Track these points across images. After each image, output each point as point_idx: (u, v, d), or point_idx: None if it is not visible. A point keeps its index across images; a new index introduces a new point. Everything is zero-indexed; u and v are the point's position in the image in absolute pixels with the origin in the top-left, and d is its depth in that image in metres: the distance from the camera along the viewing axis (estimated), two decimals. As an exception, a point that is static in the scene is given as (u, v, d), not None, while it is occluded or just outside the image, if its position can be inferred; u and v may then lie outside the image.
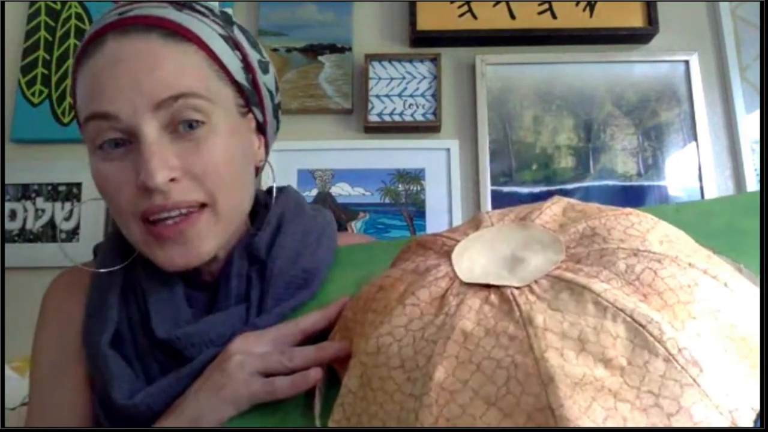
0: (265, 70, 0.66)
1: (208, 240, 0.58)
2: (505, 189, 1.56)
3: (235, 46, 0.62)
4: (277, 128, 0.71)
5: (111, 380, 0.58)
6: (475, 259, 0.46)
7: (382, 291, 0.49)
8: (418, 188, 1.56)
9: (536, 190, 1.56)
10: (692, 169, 1.56)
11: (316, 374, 0.51)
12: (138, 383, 0.59)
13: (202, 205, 0.58)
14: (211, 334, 0.58)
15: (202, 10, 0.62)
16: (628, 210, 0.49)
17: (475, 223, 0.52)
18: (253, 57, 0.64)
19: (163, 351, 0.60)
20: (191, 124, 0.57)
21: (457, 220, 1.53)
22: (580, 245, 0.45)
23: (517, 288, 0.42)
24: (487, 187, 1.54)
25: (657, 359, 0.36)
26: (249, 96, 0.63)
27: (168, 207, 0.56)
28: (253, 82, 0.64)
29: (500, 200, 1.54)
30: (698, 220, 0.53)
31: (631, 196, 1.55)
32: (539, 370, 0.36)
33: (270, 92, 0.67)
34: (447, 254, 0.48)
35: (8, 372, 1.23)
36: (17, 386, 1.15)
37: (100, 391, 0.61)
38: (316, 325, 0.56)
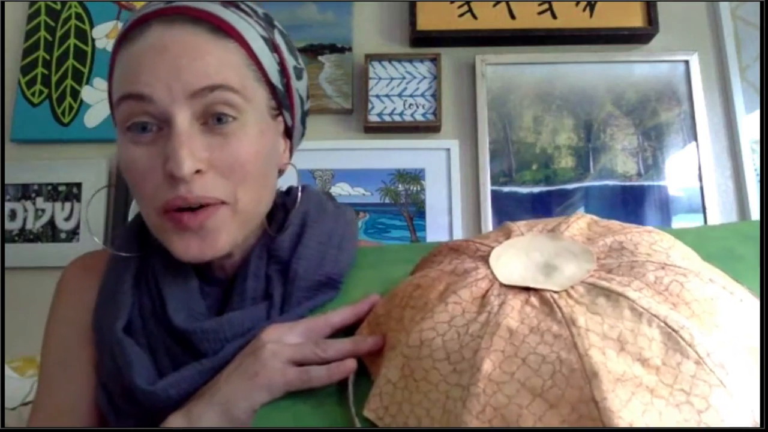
0: (299, 77, 0.66)
1: (225, 234, 0.58)
2: (505, 189, 1.56)
3: (274, 48, 0.63)
4: (303, 134, 0.71)
5: (129, 365, 0.58)
6: (512, 263, 0.49)
7: (419, 289, 0.51)
8: (418, 188, 1.56)
9: (536, 190, 1.56)
10: (692, 169, 1.56)
11: (351, 365, 0.52)
12: (153, 370, 0.59)
13: (223, 202, 0.58)
14: (228, 331, 0.59)
15: (247, 9, 0.62)
16: (649, 228, 0.53)
17: (504, 232, 0.55)
18: (290, 62, 0.65)
19: (176, 340, 0.60)
20: (222, 118, 0.57)
21: (457, 220, 1.53)
22: (609, 257, 0.49)
23: (556, 292, 0.45)
24: (487, 187, 1.54)
25: (688, 361, 0.40)
26: (281, 99, 0.64)
27: (190, 201, 0.56)
28: (287, 87, 0.64)
29: (500, 200, 1.54)
30: (696, 243, 0.55)
31: (631, 196, 1.55)
32: (584, 366, 0.40)
33: (301, 98, 0.67)
34: (483, 258, 0.51)
35: (8, 372, 1.23)
36: (17, 386, 1.15)
37: (110, 376, 0.61)
38: (345, 320, 0.57)
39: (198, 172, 0.56)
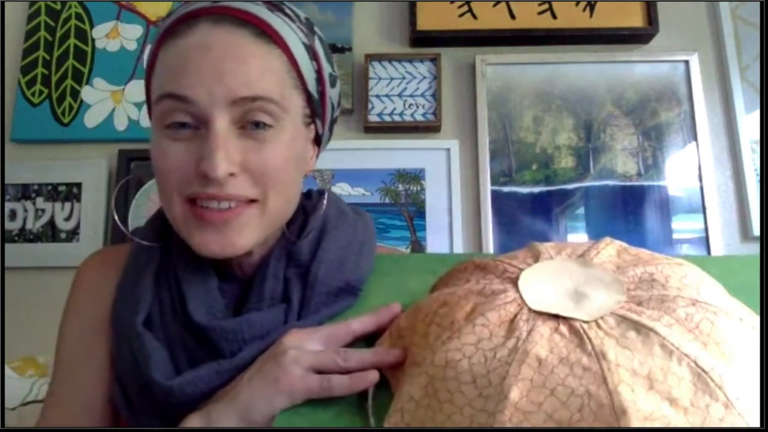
0: (333, 84, 0.66)
1: (247, 234, 0.59)
2: (505, 189, 1.56)
3: (314, 56, 0.63)
4: (328, 140, 0.72)
5: (148, 359, 0.59)
6: (541, 288, 0.49)
7: (446, 307, 0.51)
8: (418, 188, 1.56)
9: (536, 190, 1.56)
10: (692, 169, 1.56)
11: (374, 377, 0.53)
12: (170, 365, 0.60)
13: (252, 201, 0.59)
14: (246, 332, 0.59)
15: (290, 13, 0.62)
16: (680, 260, 0.52)
17: (533, 253, 0.55)
18: (326, 69, 0.65)
19: (194, 337, 0.61)
20: (260, 125, 0.58)
21: (457, 220, 1.53)
22: (639, 288, 0.48)
23: (586, 322, 0.45)
24: (487, 187, 1.54)
25: (717, 404, 0.40)
26: (316, 107, 0.64)
27: (220, 197, 0.57)
28: (321, 94, 0.64)
29: (500, 200, 1.54)
30: (721, 275, 0.54)
31: (631, 196, 1.55)
32: (612, 402, 0.39)
33: (333, 105, 0.67)
34: (511, 280, 0.51)
35: (8, 372, 1.23)
36: (17, 386, 1.15)
37: (127, 370, 0.62)
38: (366, 328, 0.57)
39: (231, 175, 0.57)
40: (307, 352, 0.54)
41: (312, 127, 0.65)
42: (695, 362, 0.41)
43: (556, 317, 0.46)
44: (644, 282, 0.49)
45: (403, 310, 0.58)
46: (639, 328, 0.43)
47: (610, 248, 0.54)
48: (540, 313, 0.46)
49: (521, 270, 0.51)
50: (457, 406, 0.44)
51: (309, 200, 0.70)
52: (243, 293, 0.65)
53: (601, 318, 0.45)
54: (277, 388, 0.52)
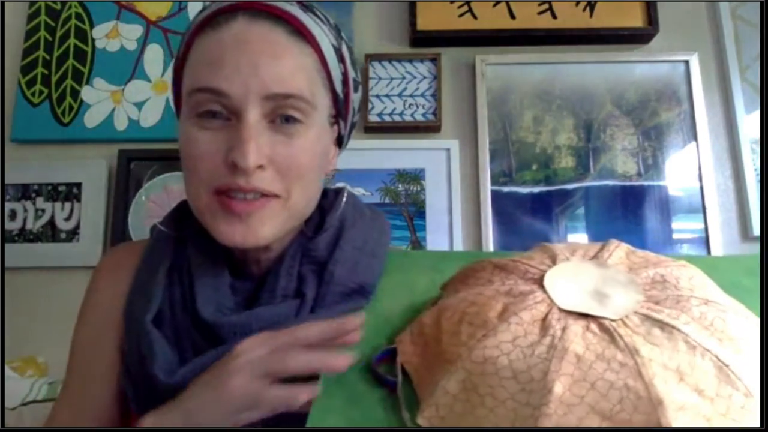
0: (356, 89, 0.68)
1: (270, 226, 0.60)
2: (505, 189, 1.56)
3: (341, 59, 0.65)
4: (345, 144, 0.73)
5: (153, 357, 0.60)
6: (566, 289, 0.52)
7: (474, 306, 0.53)
8: (418, 188, 1.56)
9: (536, 190, 1.56)
10: (692, 169, 1.56)
11: (311, 392, 0.51)
12: (175, 362, 0.60)
13: (275, 196, 0.60)
14: (255, 325, 0.60)
15: (321, 16, 0.64)
16: (683, 262, 0.56)
17: (549, 255, 0.57)
18: (351, 74, 0.67)
19: (202, 333, 0.61)
20: (290, 119, 0.59)
21: (457, 220, 1.53)
22: (654, 289, 0.51)
23: (613, 320, 0.48)
24: (487, 187, 1.54)
25: (738, 393, 0.44)
26: (340, 108, 0.66)
27: (246, 189, 0.58)
28: (346, 96, 0.66)
29: (500, 200, 1.54)
30: (708, 275, 0.57)
31: (631, 196, 1.55)
32: (650, 394, 0.43)
33: (354, 110, 0.69)
34: (535, 281, 0.54)
35: (8, 372, 1.23)
36: (17, 386, 1.15)
37: (134, 364, 0.63)
38: (324, 336, 0.54)
39: (259, 167, 0.58)
40: (258, 359, 0.51)
41: (335, 127, 0.67)
42: (717, 357, 0.44)
43: (584, 316, 0.49)
44: (657, 283, 0.52)
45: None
46: (662, 325, 0.46)
47: (619, 250, 0.57)
48: (570, 312, 0.49)
49: (542, 271, 0.54)
50: (500, 400, 0.46)
51: (325, 199, 0.71)
52: (255, 290, 0.65)
53: (626, 317, 0.48)
54: (217, 394, 0.51)
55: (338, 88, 0.64)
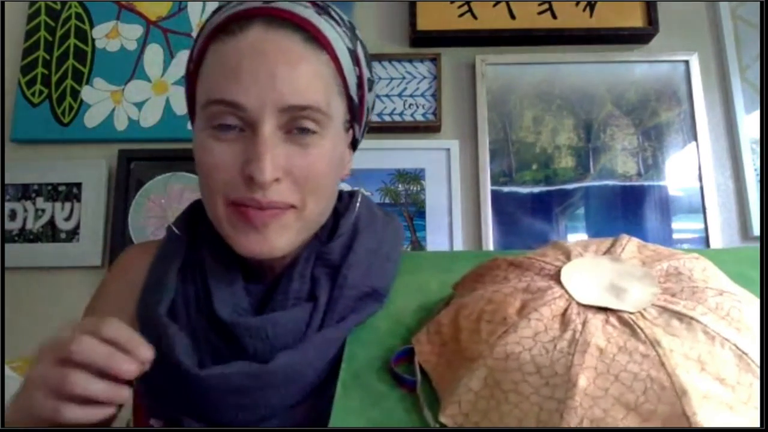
0: (370, 88, 0.67)
1: (286, 237, 0.60)
2: (505, 189, 1.56)
3: (356, 61, 0.63)
4: (358, 144, 0.72)
5: (173, 345, 0.59)
6: (583, 284, 0.52)
7: (492, 304, 0.53)
8: (418, 188, 1.56)
9: (536, 190, 1.56)
10: (692, 169, 1.56)
11: (109, 411, 0.49)
12: (196, 355, 0.60)
13: (292, 206, 0.60)
14: (270, 330, 0.60)
15: (336, 17, 0.63)
16: (695, 254, 0.56)
17: (562, 251, 0.57)
18: (366, 74, 0.66)
19: (218, 333, 0.61)
20: (305, 131, 0.59)
21: (457, 220, 1.53)
22: (668, 281, 0.52)
23: (632, 313, 0.48)
24: (487, 187, 1.54)
25: (757, 381, 0.44)
26: (355, 113, 0.65)
27: (263, 204, 0.58)
28: (361, 98, 0.65)
29: (500, 200, 1.54)
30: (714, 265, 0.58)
31: (631, 196, 1.55)
32: (673, 384, 0.43)
33: (367, 110, 0.69)
34: (551, 277, 0.54)
35: (8, 372, 1.23)
36: (17, 386, 1.15)
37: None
38: (118, 339, 0.50)
39: (276, 180, 0.57)
40: (49, 375, 0.49)
41: (350, 132, 0.66)
42: (735, 346, 0.45)
43: (604, 310, 0.49)
44: (672, 275, 0.53)
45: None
46: (680, 317, 0.47)
47: (631, 245, 0.58)
48: (589, 307, 0.49)
49: (557, 267, 0.55)
50: (524, 395, 0.46)
51: (340, 202, 0.71)
52: (268, 293, 0.65)
53: (644, 309, 0.48)
54: (28, 404, 0.49)
55: (353, 92, 0.63)
